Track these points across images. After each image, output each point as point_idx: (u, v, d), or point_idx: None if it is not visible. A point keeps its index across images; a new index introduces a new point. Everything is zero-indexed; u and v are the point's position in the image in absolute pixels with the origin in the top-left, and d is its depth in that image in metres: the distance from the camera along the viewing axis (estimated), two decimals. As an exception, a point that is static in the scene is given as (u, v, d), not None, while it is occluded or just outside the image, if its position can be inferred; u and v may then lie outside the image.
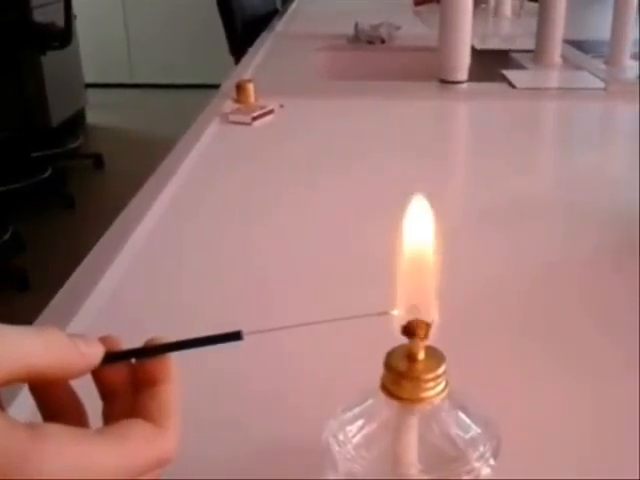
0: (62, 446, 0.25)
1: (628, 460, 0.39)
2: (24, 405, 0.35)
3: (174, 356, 0.30)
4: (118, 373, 0.30)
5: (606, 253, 0.65)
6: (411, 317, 0.30)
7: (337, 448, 0.31)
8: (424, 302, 0.30)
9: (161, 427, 0.28)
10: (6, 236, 2.57)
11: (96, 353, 0.29)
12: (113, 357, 0.29)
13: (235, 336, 0.30)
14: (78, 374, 0.28)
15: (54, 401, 0.30)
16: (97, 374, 0.29)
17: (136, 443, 0.27)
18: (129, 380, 0.30)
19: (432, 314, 0.30)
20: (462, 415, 0.32)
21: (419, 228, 0.31)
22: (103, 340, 0.29)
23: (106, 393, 0.30)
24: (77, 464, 0.25)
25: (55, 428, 0.26)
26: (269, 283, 0.60)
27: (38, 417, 0.30)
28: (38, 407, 0.30)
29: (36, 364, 0.26)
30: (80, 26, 3.87)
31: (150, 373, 0.30)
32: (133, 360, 0.30)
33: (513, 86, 1.26)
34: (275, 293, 0.58)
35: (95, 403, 0.30)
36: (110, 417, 0.30)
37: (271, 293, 0.58)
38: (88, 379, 0.30)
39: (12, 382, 0.26)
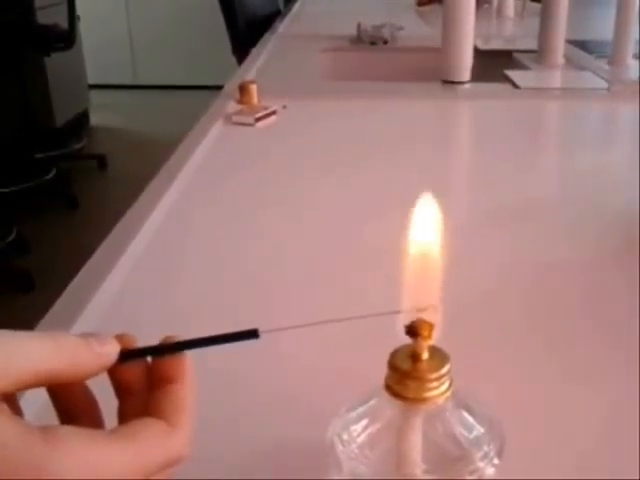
0: (74, 448, 0.25)
1: (628, 460, 0.39)
2: (29, 403, 0.36)
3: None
4: (134, 371, 0.30)
5: (607, 252, 0.65)
6: (415, 317, 0.30)
7: (341, 447, 0.31)
8: (428, 302, 0.30)
9: (174, 426, 0.28)
10: (10, 237, 2.58)
11: (110, 352, 0.29)
12: (129, 355, 0.29)
13: (251, 334, 0.30)
14: (93, 374, 0.28)
15: (72, 402, 0.30)
16: (113, 372, 0.30)
17: (148, 443, 0.27)
18: (145, 378, 0.30)
19: (436, 314, 0.30)
20: (466, 415, 0.32)
21: (425, 226, 0.31)
22: (119, 338, 0.29)
23: (122, 391, 0.30)
24: (89, 465, 0.25)
25: (67, 430, 0.26)
26: (273, 283, 0.60)
27: (45, 415, 0.30)
28: (55, 408, 0.30)
29: (48, 368, 0.27)
30: (83, 27, 3.87)
31: (166, 371, 0.30)
32: (149, 358, 0.30)
33: (516, 86, 1.26)
34: (279, 293, 0.59)
35: (111, 400, 0.31)
36: (125, 415, 0.30)
37: (275, 293, 0.58)
38: (104, 376, 0.30)
39: (25, 388, 0.26)
